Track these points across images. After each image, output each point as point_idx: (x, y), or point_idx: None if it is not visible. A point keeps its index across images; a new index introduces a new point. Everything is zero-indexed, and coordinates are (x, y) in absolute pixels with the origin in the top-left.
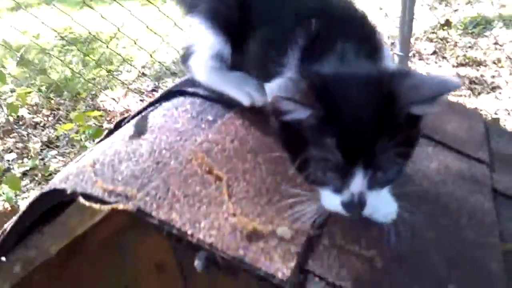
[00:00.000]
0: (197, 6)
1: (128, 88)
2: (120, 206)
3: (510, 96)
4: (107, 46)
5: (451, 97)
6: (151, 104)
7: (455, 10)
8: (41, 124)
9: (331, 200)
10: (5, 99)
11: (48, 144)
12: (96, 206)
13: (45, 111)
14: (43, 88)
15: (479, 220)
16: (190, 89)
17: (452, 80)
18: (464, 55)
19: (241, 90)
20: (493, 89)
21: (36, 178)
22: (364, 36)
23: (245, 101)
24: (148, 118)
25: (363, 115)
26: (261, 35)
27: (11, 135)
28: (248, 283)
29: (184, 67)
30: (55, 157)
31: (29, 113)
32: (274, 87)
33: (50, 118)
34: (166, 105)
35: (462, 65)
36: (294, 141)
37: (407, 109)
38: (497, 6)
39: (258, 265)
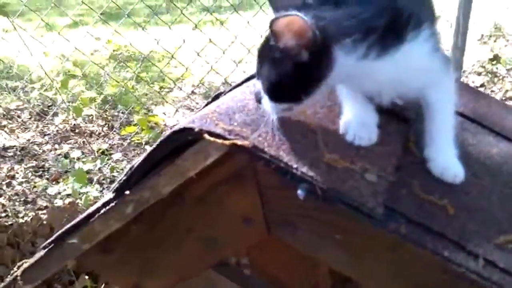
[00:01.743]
0: None
1: (179, 104)
2: (239, 142)
3: None
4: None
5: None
6: (249, 78)
7: (505, 46)
8: (96, 133)
9: None
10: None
11: (104, 151)
12: (219, 141)
13: (100, 122)
14: (99, 101)
15: None
16: None
17: None
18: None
19: None
20: None
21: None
22: None
23: None
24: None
25: None
26: None
27: (67, 141)
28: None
29: None
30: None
31: (85, 122)
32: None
33: (104, 128)
34: None
35: (510, 99)
36: None
37: None
38: None
39: (352, 195)
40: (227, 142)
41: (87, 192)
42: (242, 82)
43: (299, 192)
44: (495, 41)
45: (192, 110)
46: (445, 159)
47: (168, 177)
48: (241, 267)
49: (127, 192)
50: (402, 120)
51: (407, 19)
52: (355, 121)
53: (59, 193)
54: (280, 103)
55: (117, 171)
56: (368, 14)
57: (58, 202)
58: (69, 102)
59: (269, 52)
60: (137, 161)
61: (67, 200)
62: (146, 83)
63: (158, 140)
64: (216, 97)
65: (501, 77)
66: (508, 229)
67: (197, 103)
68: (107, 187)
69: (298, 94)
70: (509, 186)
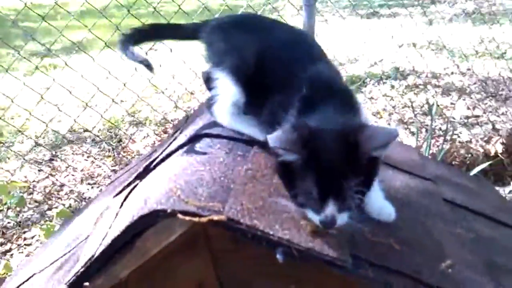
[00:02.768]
0: (224, 63)
1: (23, 159)
2: (215, 218)
3: None
4: None
5: None
6: (181, 146)
7: None
8: None
9: (313, 217)
10: None
11: None
12: (195, 219)
13: None
14: None
15: (443, 218)
16: (215, 132)
17: (395, 130)
18: None
19: (257, 129)
20: None
21: None
22: (343, 99)
23: (261, 137)
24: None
25: (334, 160)
26: (272, 97)
27: None
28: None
29: (209, 112)
30: None
31: None
32: (273, 137)
33: None
34: (199, 145)
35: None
36: (287, 176)
37: (368, 154)
38: (368, 65)
39: (325, 252)
40: (203, 219)
41: None
42: (177, 149)
43: (278, 256)
44: None
45: (40, 163)
46: (378, 200)
47: (127, 261)
48: None
49: (86, 283)
50: None
51: None
52: None
53: None
54: None
55: None
56: None
57: None
58: None
59: None
60: (96, 250)
61: None
62: None
63: (121, 222)
64: (147, 167)
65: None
66: (442, 256)
67: (44, 155)
68: None
69: None
70: (423, 215)
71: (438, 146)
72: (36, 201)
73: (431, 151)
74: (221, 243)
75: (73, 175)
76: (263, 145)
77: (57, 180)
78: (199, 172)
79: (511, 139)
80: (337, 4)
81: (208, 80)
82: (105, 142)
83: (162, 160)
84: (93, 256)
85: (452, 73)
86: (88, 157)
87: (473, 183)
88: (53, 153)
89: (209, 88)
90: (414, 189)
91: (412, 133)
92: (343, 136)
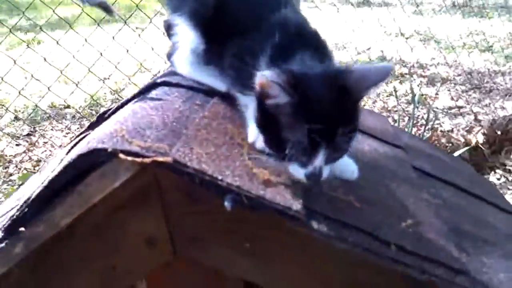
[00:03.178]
0: (182, 7)
1: (2, 132)
2: (160, 159)
3: None
4: None
5: None
6: (138, 94)
7: None
8: None
9: (297, 172)
10: None
11: None
12: (138, 160)
13: None
14: None
15: (410, 183)
16: (173, 80)
17: (389, 66)
18: None
19: (218, 79)
20: None
21: None
22: (317, 46)
23: (223, 88)
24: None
25: (329, 106)
26: (238, 43)
27: None
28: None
29: (170, 62)
30: None
31: None
32: (266, 74)
33: None
34: (155, 92)
35: None
36: (272, 125)
37: (359, 97)
38: (355, 53)
39: (276, 201)
40: (147, 160)
41: None
42: (133, 98)
43: (226, 203)
44: None
45: (18, 137)
46: (341, 159)
47: (68, 207)
48: None
49: (22, 228)
50: None
51: None
52: None
53: None
54: None
55: None
56: None
57: None
58: None
59: None
60: (33, 192)
61: None
62: None
63: (62, 164)
64: (100, 117)
65: None
66: (404, 216)
67: (23, 130)
68: None
69: None
70: (389, 179)
71: (419, 134)
72: (10, 174)
73: None
74: (174, 196)
75: (50, 150)
76: (224, 96)
77: (34, 155)
78: (150, 116)
79: (492, 130)
80: None
81: (169, 28)
82: (86, 119)
83: (117, 108)
84: (29, 198)
85: (438, 63)
86: (67, 133)
87: (448, 158)
88: (32, 128)
89: (169, 37)
90: (382, 154)
91: (395, 121)
92: (334, 79)
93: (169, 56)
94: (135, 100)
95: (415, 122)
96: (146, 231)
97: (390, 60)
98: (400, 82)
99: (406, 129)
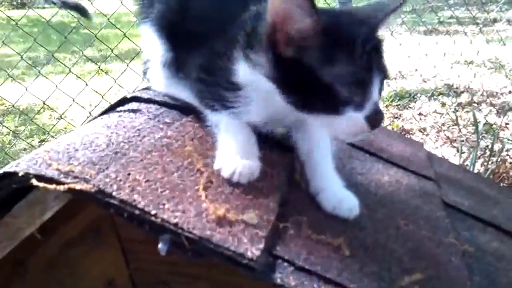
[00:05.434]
0: (149, 14)
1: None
2: (78, 186)
3: None
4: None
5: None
6: (105, 110)
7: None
8: None
9: (354, 122)
10: None
11: None
12: (51, 186)
13: None
14: None
15: (434, 224)
16: (145, 96)
17: None
18: (390, 124)
19: (190, 92)
20: None
21: None
22: None
23: (194, 102)
24: (102, 118)
25: (356, 28)
26: (204, 51)
27: None
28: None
29: (146, 79)
30: None
31: None
32: None
33: None
34: (121, 108)
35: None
36: (300, 82)
37: (381, 24)
38: (420, 81)
39: (226, 245)
40: (61, 187)
41: None
42: (100, 114)
43: (160, 246)
44: None
45: None
46: (336, 192)
47: None
48: None
49: None
50: (285, 149)
51: None
52: (234, 153)
53: None
54: None
55: None
56: None
57: None
58: None
59: None
60: None
61: None
62: (25, 137)
63: None
64: None
65: None
66: (411, 267)
67: None
68: None
69: None
70: (405, 218)
71: (485, 166)
72: None
73: (476, 170)
74: (132, 233)
75: None
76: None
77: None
78: (96, 135)
79: None
80: (394, 21)
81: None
82: None
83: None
84: None
85: (510, 92)
86: None
87: (496, 192)
88: None
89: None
90: (404, 187)
91: (457, 150)
92: (355, 17)
93: (145, 73)
94: (100, 116)
95: (481, 153)
96: (105, 271)
97: (457, 88)
98: (467, 112)
99: (469, 160)
